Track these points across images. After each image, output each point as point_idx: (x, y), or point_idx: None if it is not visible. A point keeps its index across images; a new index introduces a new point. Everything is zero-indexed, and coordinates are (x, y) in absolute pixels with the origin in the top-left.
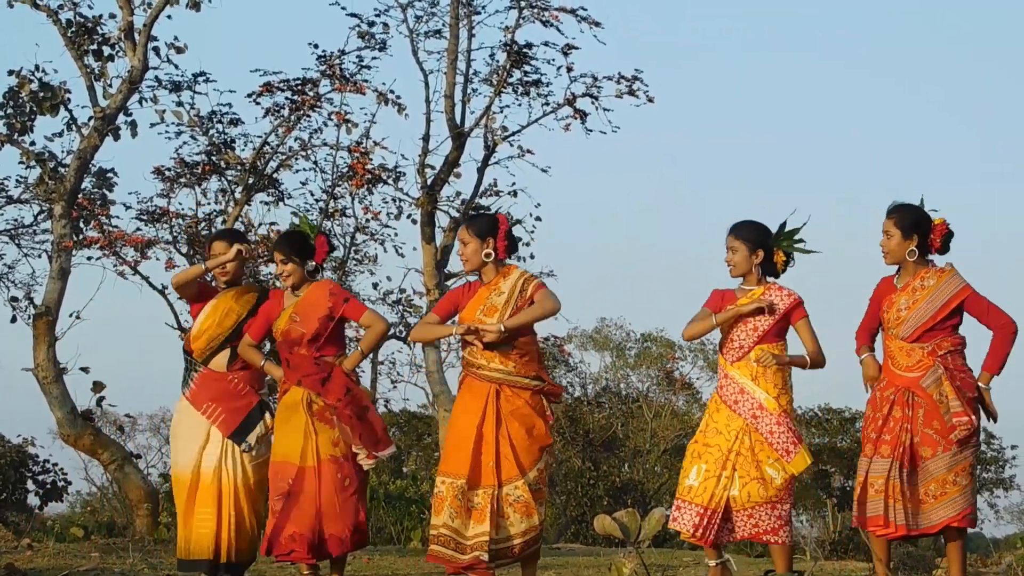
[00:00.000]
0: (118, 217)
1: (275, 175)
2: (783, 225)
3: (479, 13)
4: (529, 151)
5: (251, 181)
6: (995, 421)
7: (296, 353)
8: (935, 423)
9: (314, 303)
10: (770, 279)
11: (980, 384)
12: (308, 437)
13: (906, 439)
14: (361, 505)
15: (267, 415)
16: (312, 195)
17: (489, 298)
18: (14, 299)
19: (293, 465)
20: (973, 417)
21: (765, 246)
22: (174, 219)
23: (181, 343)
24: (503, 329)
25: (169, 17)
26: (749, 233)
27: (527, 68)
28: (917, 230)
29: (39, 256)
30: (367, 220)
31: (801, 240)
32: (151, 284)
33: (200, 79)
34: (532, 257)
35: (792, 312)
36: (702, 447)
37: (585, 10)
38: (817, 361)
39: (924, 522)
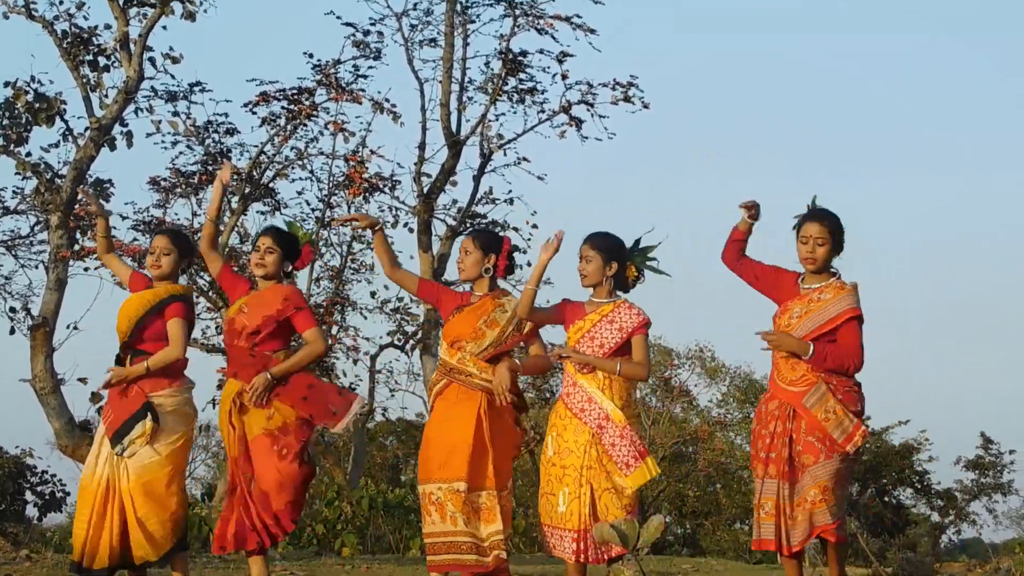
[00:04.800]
0: (115, 227)
1: (271, 184)
2: (638, 241)
3: (474, 22)
4: (525, 159)
5: (248, 191)
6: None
7: (235, 345)
8: (817, 432)
9: (267, 301)
10: (620, 294)
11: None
12: (233, 428)
13: (784, 452)
14: (300, 480)
15: (149, 417)
16: (308, 204)
17: (493, 313)
18: (12, 310)
19: (231, 457)
20: (862, 430)
21: (619, 259)
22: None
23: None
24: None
25: (164, 28)
26: (604, 244)
27: (522, 76)
28: (839, 237)
29: (36, 267)
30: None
31: (655, 259)
32: None
33: (196, 89)
34: (529, 265)
35: (635, 330)
36: (560, 469)
37: (580, 17)
38: (635, 373)
39: (802, 533)
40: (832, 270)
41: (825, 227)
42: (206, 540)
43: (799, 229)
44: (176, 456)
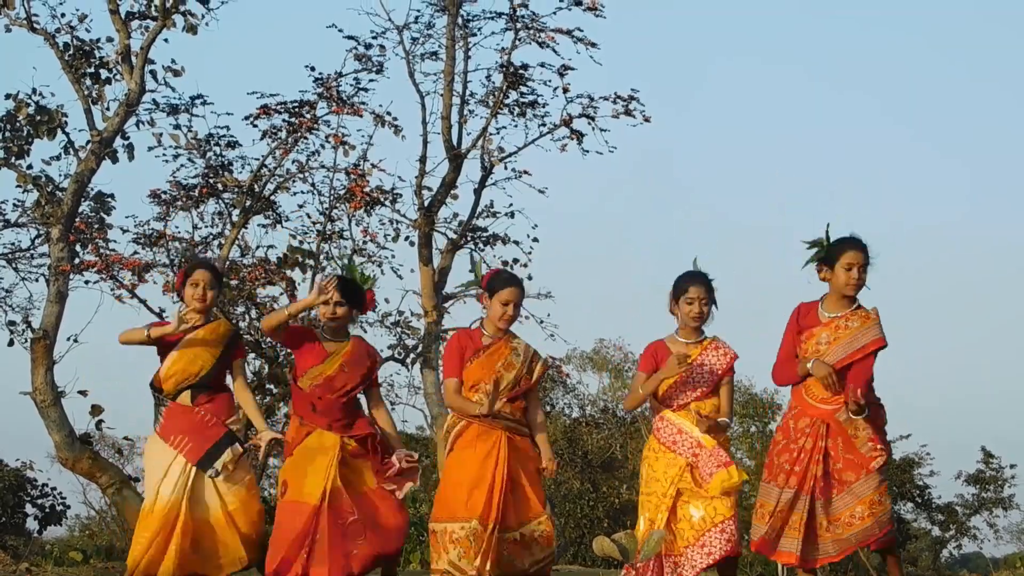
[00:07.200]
0: (115, 241)
1: (272, 198)
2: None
3: (475, 35)
4: (526, 172)
5: (248, 204)
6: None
7: (326, 398)
8: (853, 452)
9: (360, 358)
10: (708, 333)
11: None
12: (328, 479)
13: (817, 470)
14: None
15: (236, 444)
16: (309, 217)
17: (508, 356)
18: (12, 323)
19: (310, 505)
20: (885, 448)
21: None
22: (171, 242)
23: (150, 380)
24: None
25: (166, 40)
26: (711, 285)
27: (523, 89)
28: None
29: (36, 280)
30: (364, 242)
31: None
32: (148, 307)
33: (197, 102)
34: (530, 279)
35: (726, 371)
36: (645, 497)
37: (581, 31)
38: (724, 425)
39: (841, 547)
40: (855, 299)
41: (865, 253)
42: None
43: (840, 256)
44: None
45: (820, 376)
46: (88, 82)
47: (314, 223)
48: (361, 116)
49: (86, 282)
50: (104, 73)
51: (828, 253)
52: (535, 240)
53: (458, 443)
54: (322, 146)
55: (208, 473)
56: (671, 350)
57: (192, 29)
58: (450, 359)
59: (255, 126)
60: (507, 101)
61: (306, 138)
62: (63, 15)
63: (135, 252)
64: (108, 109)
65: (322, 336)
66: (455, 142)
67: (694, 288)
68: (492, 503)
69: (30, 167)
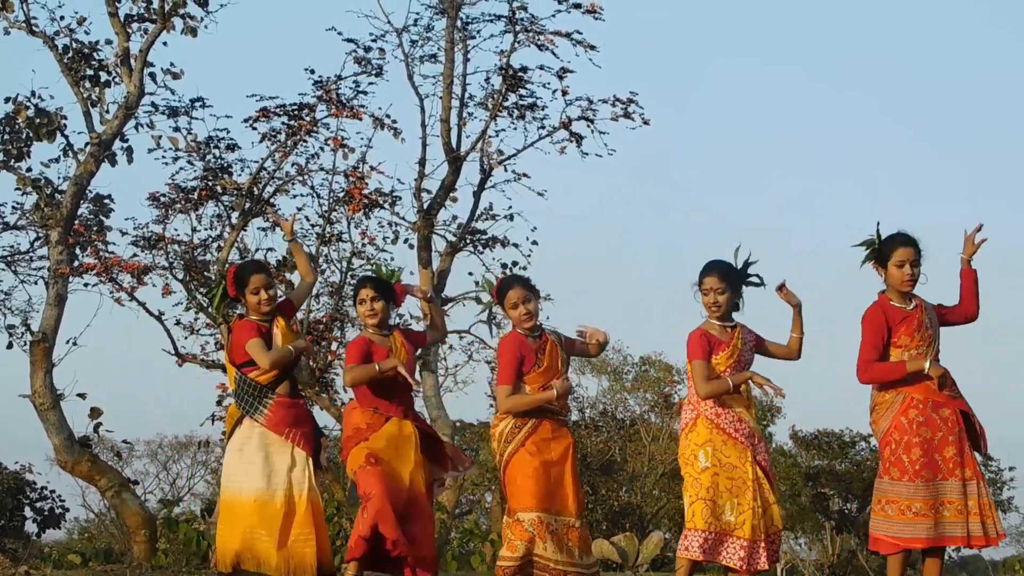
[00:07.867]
0: (114, 243)
1: (271, 200)
2: (746, 263)
3: (474, 38)
4: (525, 174)
5: (247, 206)
6: None
7: (397, 387)
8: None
9: (407, 345)
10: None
11: None
12: (418, 467)
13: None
14: None
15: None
16: (308, 220)
17: (560, 352)
18: (11, 326)
19: (404, 490)
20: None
21: (738, 286)
22: (170, 245)
23: (241, 375)
24: None
25: (165, 44)
26: (730, 273)
27: (522, 92)
28: None
29: (36, 283)
30: (363, 245)
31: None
32: (148, 310)
33: (197, 104)
34: None
35: (757, 342)
36: (727, 480)
37: (580, 33)
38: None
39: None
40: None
41: (916, 248)
42: (205, 555)
43: (891, 254)
44: None
45: (937, 375)
46: (87, 85)
47: (313, 226)
48: (360, 119)
49: (85, 285)
50: (103, 76)
51: (880, 252)
52: (534, 243)
53: (532, 439)
54: (321, 149)
55: (323, 464)
56: (718, 336)
57: (191, 32)
58: (508, 366)
59: (254, 129)
60: (506, 104)
61: (305, 141)
62: (62, 18)
63: (134, 255)
64: (107, 112)
65: (373, 338)
66: (454, 145)
67: (708, 279)
68: (579, 497)
69: (29, 170)
